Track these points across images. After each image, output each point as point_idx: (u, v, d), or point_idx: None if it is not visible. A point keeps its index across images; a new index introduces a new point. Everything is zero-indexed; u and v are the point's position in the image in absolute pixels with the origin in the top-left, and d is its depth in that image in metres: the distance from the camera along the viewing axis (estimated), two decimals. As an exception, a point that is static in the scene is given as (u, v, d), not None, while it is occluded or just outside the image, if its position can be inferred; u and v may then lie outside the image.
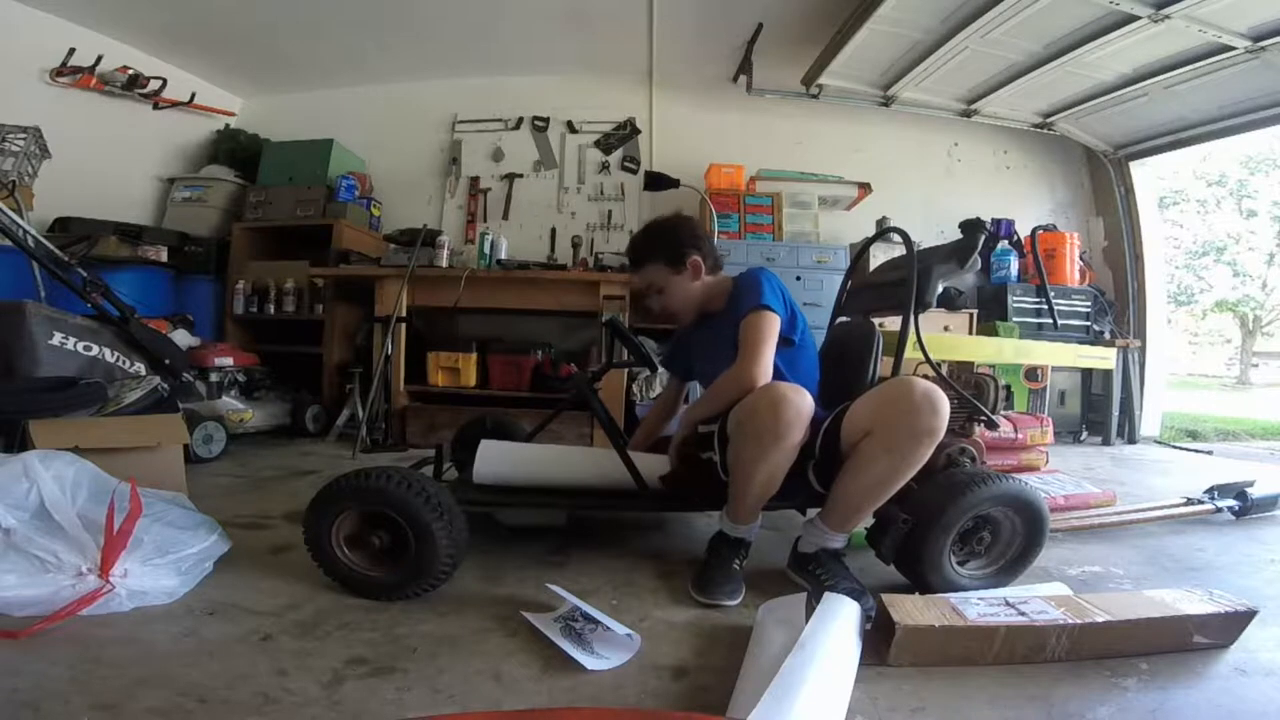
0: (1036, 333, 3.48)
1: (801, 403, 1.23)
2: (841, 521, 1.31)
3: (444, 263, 3.12)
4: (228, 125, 4.10)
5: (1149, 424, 3.85)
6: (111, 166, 3.56)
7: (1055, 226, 3.87)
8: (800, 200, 3.58)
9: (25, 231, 2.22)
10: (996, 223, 3.80)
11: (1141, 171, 3.92)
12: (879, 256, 2.73)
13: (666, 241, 1.56)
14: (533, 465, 1.57)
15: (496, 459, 1.54)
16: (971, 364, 2.60)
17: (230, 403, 2.78)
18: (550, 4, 3.34)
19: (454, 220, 4.11)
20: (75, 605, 1.06)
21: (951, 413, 1.48)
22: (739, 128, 4.07)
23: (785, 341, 1.46)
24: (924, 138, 4.12)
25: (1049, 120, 3.71)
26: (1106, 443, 3.63)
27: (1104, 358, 2.85)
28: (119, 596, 1.11)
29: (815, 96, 3.61)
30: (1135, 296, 3.93)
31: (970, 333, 3.37)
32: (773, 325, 1.41)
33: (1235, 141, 4.28)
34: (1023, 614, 1.05)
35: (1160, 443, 3.80)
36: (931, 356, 1.46)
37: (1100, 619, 1.04)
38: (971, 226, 1.46)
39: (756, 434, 1.25)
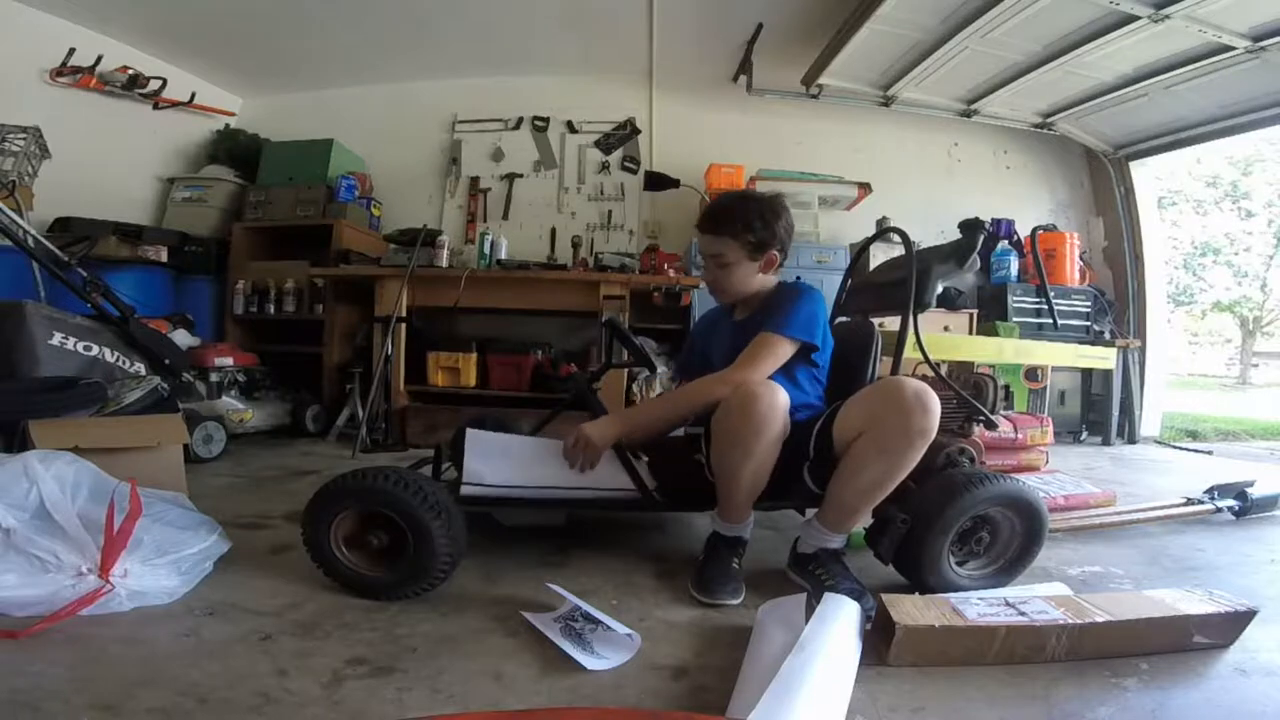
0: (1036, 333, 3.48)
1: (773, 398, 1.24)
2: (838, 522, 1.31)
3: (444, 263, 3.12)
4: (228, 125, 4.10)
5: (1149, 424, 3.85)
6: (111, 166, 3.56)
7: (1055, 226, 3.87)
8: (800, 200, 3.58)
9: (25, 231, 2.22)
10: (996, 223, 3.80)
11: (1141, 171, 3.93)
12: (879, 256, 2.72)
13: (760, 224, 1.43)
14: (530, 468, 1.41)
15: (489, 457, 1.38)
16: (971, 364, 2.61)
17: (230, 403, 2.78)
18: (550, 4, 3.34)
19: (454, 220, 4.12)
20: (75, 605, 1.06)
21: (950, 413, 1.49)
22: (739, 128, 4.07)
23: (811, 361, 1.45)
24: (924, 138, 4.13)
25: (1049, 120, 3.71)
26: (1106, 443, 3.63)
27: (1104, 358, 2.86)
28: (119, 596, 1.10)
29: (815, 96, 3.61)
30: (1135, 296, 3.93)
31: (970, 333, 3.37)
32: (785, 354, 1.38)
33: (1234, 142, 4.28)
34: (1023, 614, 1.05)
35: (1160, 443, 3.80)
36: (931, 356, 1.46)
37: (1100, 619, 1.04)
38: (971, 226, 1.46)
39: (734, 434, 1.26)
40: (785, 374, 1.41)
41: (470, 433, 1.43)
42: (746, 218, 1.44)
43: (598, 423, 1.41)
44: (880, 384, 1.26)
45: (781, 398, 1.25)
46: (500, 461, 1.39)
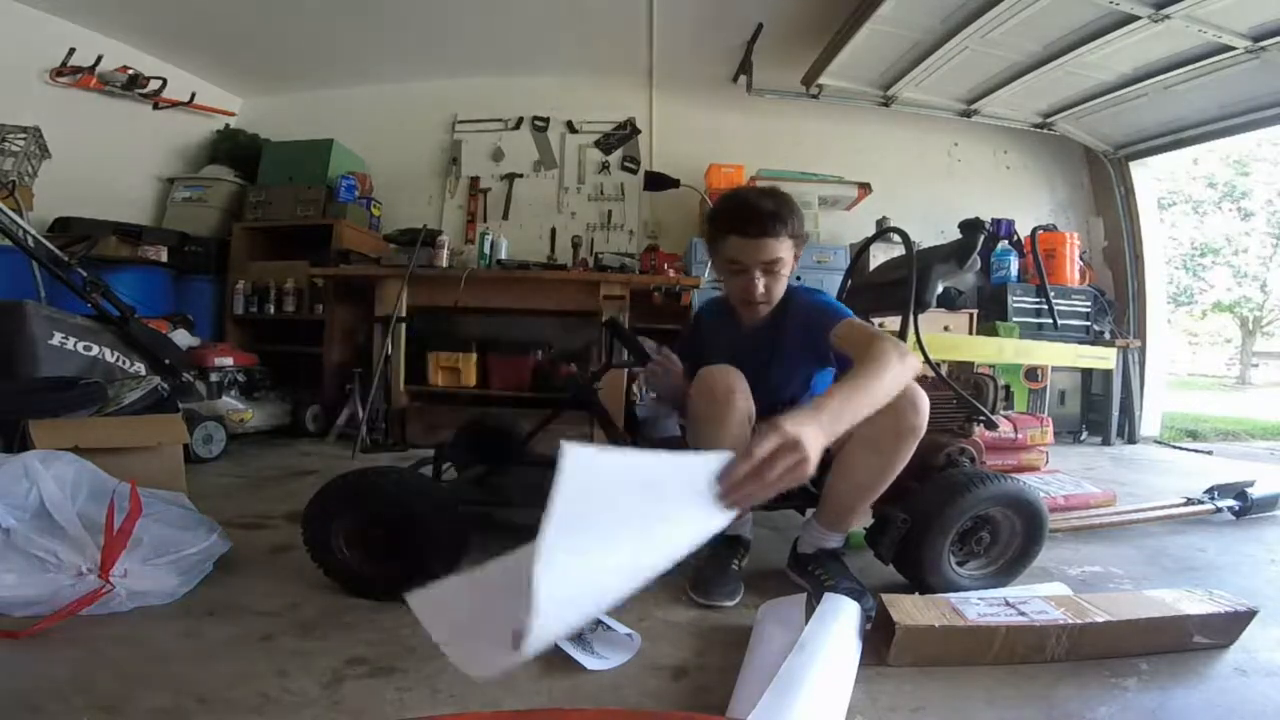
0: (1036, 333, 3.48)
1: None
2: (835, 521, 1.31)
3: (444, 263, 3.11)
4: (228, 125, 4.09)
5: (1149, 424, 3.85)
6: (111, 166, 3.56)
7: (1055, 226, 3.87)
8: (800, 200, 3.53)
9: (25, 231, 2.22)
10: (996, 223, 3.80)
11: (1141, 171, 3.92)
12: (879, 256, 2.72)
13: (800, 219, 1.33)
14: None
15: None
16: (971, 364, 2.61)
17: (230, 403, 2.78)
18: (550, 4, 3.34)
19: (454, 220, 4.11)
20: (75, 605, 1.06)
21: (950, 413, 1.49)
22: (739, 128, 4.07)
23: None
24: (924, 138, 4.12)
25: (1049, 120, 3.71)
26: (1106, 443, 3.62)
27: (1104, 358, 2.86)
28: (119, 596, 1.10)
29: (815, 96, 3.61)
30: (1135, 296, 3.93)
31: (970, 333, 3.37)
32: None
33: (1233, 142, 4.29)
34: (1023, 614, 1.05)
35: (1160, 443, 3.80)
36: (931, 356, 1.46)
37: (1100, 619, 1.04)
38: (971, 226, 1.46)
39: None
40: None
41: (570, 456, 0.59)
42: (795, 212, 1.33)
43: (800, 421, 0.78)
44: None
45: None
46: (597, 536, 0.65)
